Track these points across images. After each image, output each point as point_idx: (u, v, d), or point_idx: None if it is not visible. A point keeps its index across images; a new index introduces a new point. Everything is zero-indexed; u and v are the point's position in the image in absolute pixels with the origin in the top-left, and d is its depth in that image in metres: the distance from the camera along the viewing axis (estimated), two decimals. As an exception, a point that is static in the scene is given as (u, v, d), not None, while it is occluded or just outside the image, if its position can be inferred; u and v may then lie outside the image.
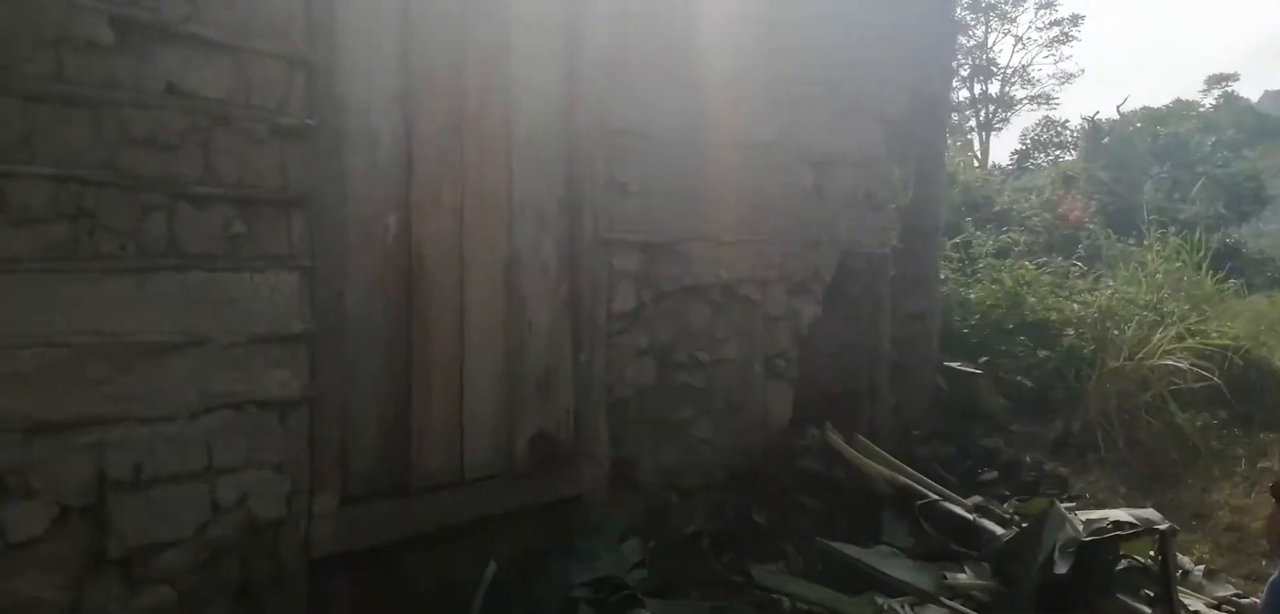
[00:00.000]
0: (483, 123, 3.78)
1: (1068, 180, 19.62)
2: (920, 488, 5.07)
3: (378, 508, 3.41)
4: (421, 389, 3.54)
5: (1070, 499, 5.82)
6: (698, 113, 4.66)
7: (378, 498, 3.44)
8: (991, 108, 38.25)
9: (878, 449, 5.35)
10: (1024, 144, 34.58)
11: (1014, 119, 37.11)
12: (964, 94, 38.72)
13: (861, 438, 5.38)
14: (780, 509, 4.98)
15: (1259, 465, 6.63)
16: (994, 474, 5.77)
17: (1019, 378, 7.32)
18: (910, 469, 5.28)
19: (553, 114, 4.08)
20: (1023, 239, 9.30)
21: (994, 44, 37.68)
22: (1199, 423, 6.71)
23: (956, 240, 9.21)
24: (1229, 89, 35.81)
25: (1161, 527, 5.27)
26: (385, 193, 3.47)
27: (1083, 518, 5.31)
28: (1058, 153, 32.18)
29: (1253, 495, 6.12)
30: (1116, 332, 7.07)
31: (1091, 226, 11.17)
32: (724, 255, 4.87)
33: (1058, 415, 7.05)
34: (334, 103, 3.27)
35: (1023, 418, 7.16)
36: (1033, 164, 32.84)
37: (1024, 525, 4.97)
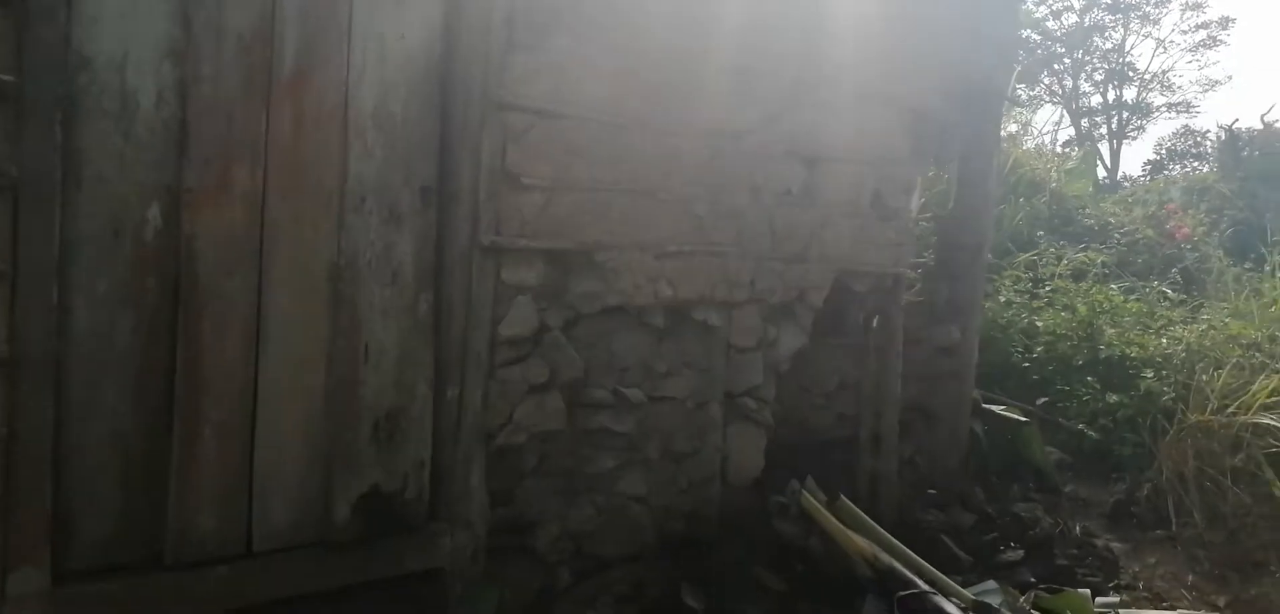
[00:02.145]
0: (302, 86, 2.94)
1: (1196, 192, 17.61)
2: (907, 572, 4.01)
3: (113, 587, 2.63)
4: (187, 430, 2.74)
5: (1118, 590, 4.63)
6: (638, 89, 3.71)
7: (117, 573, 2.66)
8: (1125, 115, 35.72)
9: (863, 516, 4.31)
10: (1158, 154, 32.10)
11: (1150, 128, 34.25)
12: (1096, 100, 36.39)
13: (845, 501, 4.34)
14: (728, 589, 4.01)
15: (1375, 557, 5.25)
16: (1020, 554, 4.62)
17: (1081, 427, 6.08)
18: (902, 546, 4.22)
19: (418, 79, 3.21)
20: (1101, 258, 7.89)
21: (1132, 47, 35.02)
22: (1302, 496, 5.36)
23: (1028, 255, 7.91)
24: (1396, 99, 32.14)
25: (1232, 651, 4.09)
26: (144, 176, 2.67)
27: (1127, 626, 4.18)
28: (1194, 164, 29.57)
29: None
30: (1206, 376, 5.74)
31: (1207, 249, 9.60)
32: (669, 270, 3.91)
33: (1123, 477, 5.79)
34: (64, 56, 2.48)
35: (1080, 477, 5.94)
36: (1165, 176, 30.39)
37: (1038, 637, 3.89)
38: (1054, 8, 35.32)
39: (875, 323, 4.94)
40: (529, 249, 3.46)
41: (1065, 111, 35.35)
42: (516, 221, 3.41)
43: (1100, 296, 6.99)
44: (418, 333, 3.24)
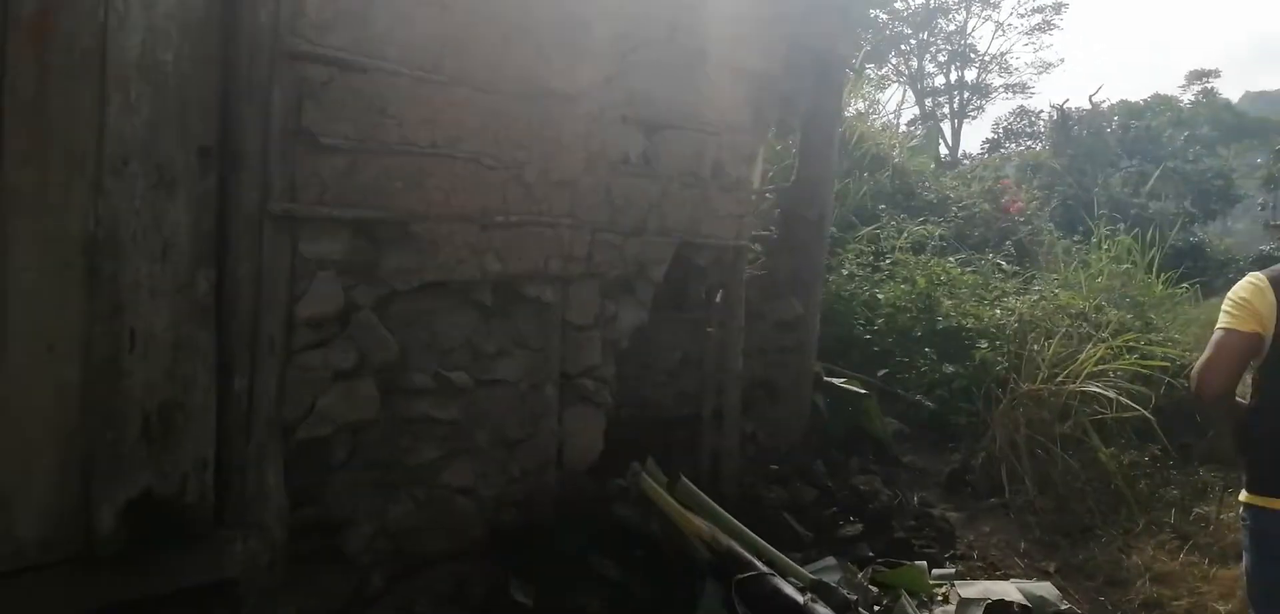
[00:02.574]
0: (47, 29, 2.50)
1: (1030, 169, 18.62)
2: (746, 553, 3.92)
3: None
4: (-105, 437, 2.28)
5: (954, 560, 4.71)
6: (458, 42, 3.41)
7: None
8: (966, 95, 37.60)
9: (703, 497, 4.19)
10: (996, 133, 33.97)
11: (989, 108, 36.34)
12: (940, 80, 38.14)
13: (685, 482, 4.20)
14: (562, 581, 3.80)
15: (1194, 513, 5.58)
16: (859, 528, 4.63)
17: (919, 397, 6.20)
18: (742, 526, 4.13)
19: (194, 23, 2.81)
20: (939, 231, 8.12)
21: (974, 30, 36.97)
22: (1126, 460, 5.62)
23: (870, 229, 8.04)
24: (1209, 86, 35.22)
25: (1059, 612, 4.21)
26: None
27: (961, 592, 4.23)
28: (1029, 143, 31.44)
29: (1182, 556, 5.06)
30: (1037, 346, 5.94)
31: (1039, 223, 10.08)
32: (497, 242, 3.65)
33: (959, 446, 5.94)
34: None
35: (919, 447, 6.06)
36: (1001, 153, 32.22)
37: (876, 611, 3.88)
38: (901, -12, 36.66)
39: (718, 297, 4.83)
40: (331, 219, 3.12)
41: (910, 91, 36.83)
42: (315, 188, 3.06)
43: (938, 269, 7.17)
44: (196, 315, 2.86)
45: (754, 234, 5.64)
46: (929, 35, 37.05)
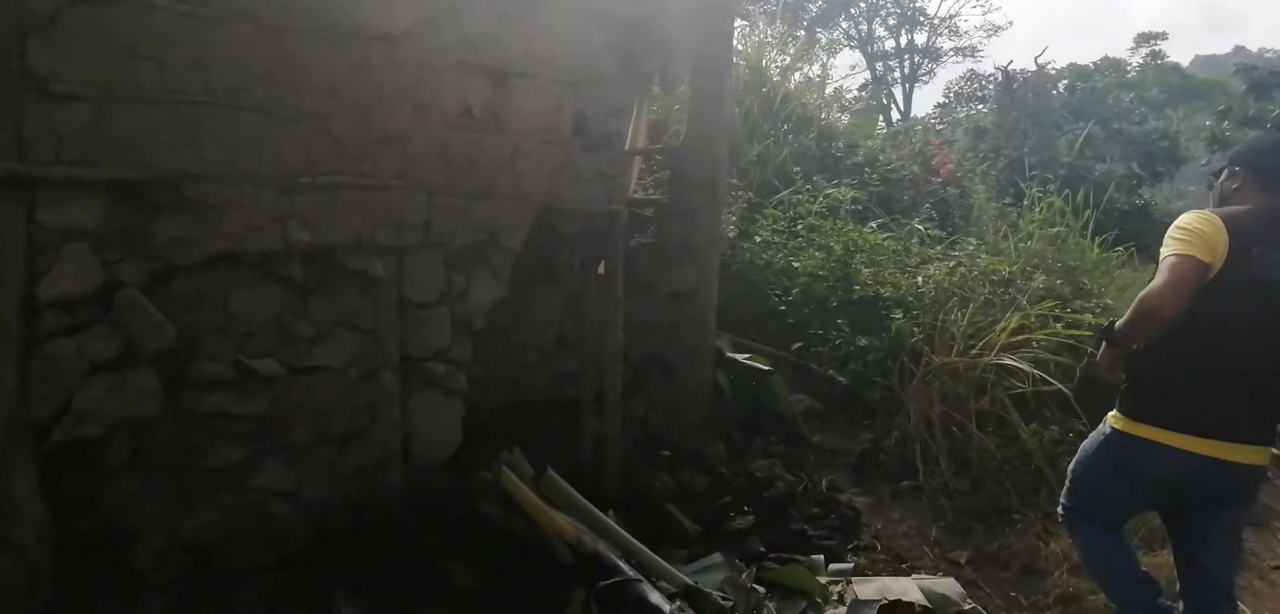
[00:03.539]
0: None
1: (975, 132, 18.49)
2: (613, 556, 3.55)
3: None
4: None
5: (857, 552, 4.39)
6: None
7: None
8: (917, 59, 37.60)
9: (572, 492, 3.82)
10: (947, 97, 34.00)
11: (940, 72, 36.44)
12: (889, 44, 38.11)
13: (552, 475, 3.82)
14: (403, 591, 3.40)
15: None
16: (751, 519, 4.28)
17: (831, 372, 5.87)
18: (612, 524, 3.77)
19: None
20: (851, 193, 7.79)
21: (922, -9, 36.98)
22: (1047, 437, 5.33)
23: (785, 193, 7.70)
24: (1157, 48, 35.52)
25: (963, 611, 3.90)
26: None
27: (857, 591, 3.90)
28: (979, 106, 31.47)
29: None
30: (955, 315, 5.63)
31: (969, 184, 9.83)
32: (302, 207, 3.23)
33: (872, 424, 5.62)
34: None
35: (830, 425, 5.73)
36: (953, 118, 32.28)
37: (758, 618, 3.54)
38: (849, -51, 36.46)
39: (599, 268, 4.44)
40: (76, 181, 2.69)
41: (862, 55, 36.73)
42: (50, 143, 2.63)
43: (855, 235, 6.84)
44: (-108, 298, 2.41)
45: (637, 198, 5.28)
46: (877, -2, 36.95)
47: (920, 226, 7.69)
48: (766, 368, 5.33)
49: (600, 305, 4.40)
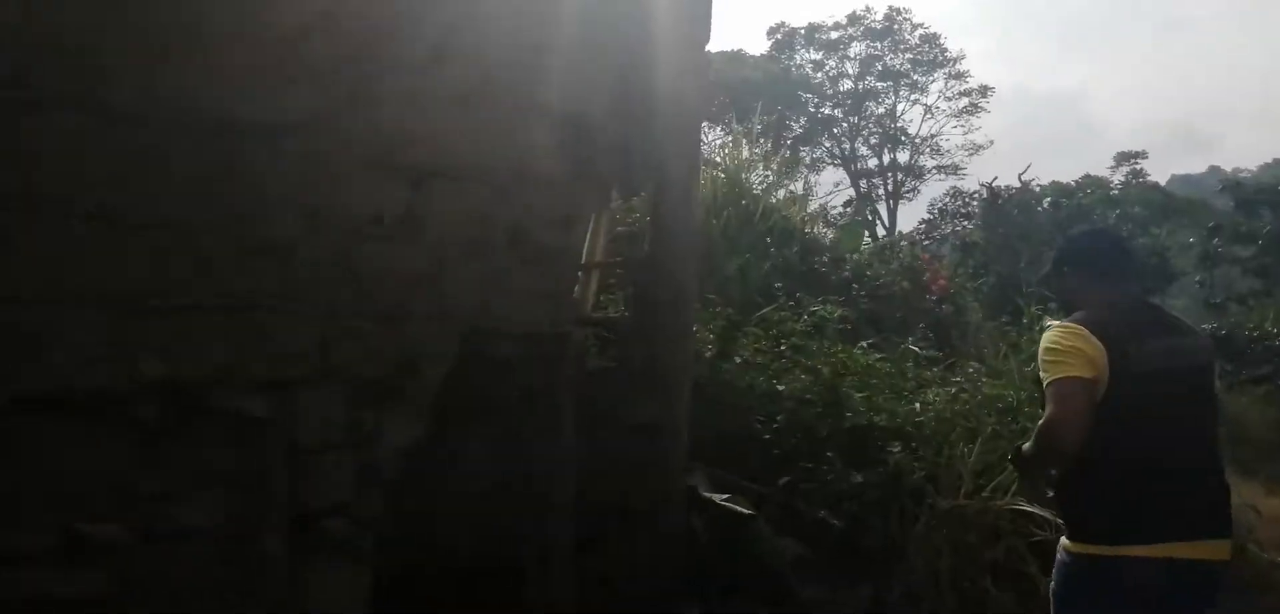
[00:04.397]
0: None
1: (962, 248, 18.20)
2: None
3: None
4: None
5: None
6: (58, 48, 2.41)
7: None
8: (900, 176, 38.17)
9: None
10: (932, 214, 34.30)
11: (924, 189, 36.72)
12: (872, 162, 38.79)
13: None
14: None
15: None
16: (728, 707, 3.57)
17: (823, 514, 5.21)
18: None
19: None
20: (839, 312, 7.24)
21: (903, 112, 37.81)
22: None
23: (767, 310, 7.15)
24: (1138, 166, 36.21)
25: None
26: None
27: None
28: (964, 223, 31.60)
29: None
30: (959, 450, 5.02)
31: (964, 301, 9.33)
32: (155, 335, 2.61)
33: (871, 574, 4.93)
34: None
35: (824, 576, 5.02)
36: (938, 234, 32.48)
37: None
38: (831, 74, 37.20)
39: (543, 400, 3.82)
40: None
41: (846, 172, 37.08)
42: None
43: (844, 356, 6.25)
44: None
45: (600, 317, 4.70)
46: (860, 119, 37.55)
47: (915, 347, 7.13)
48: (747, 511, 4.67)
49: (543, 445, 3.76)
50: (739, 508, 4.71)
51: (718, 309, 6.90)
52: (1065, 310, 2.85)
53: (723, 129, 23.10)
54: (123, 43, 2.51)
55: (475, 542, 3.86)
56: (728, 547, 4.75)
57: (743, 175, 9.58)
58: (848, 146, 37.87)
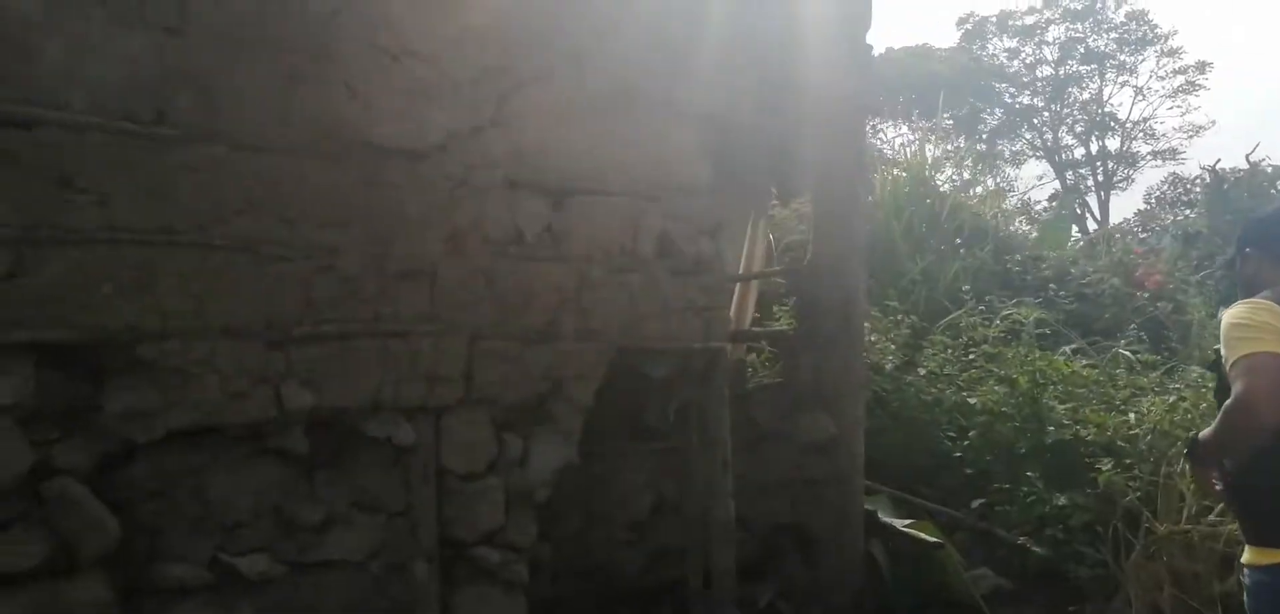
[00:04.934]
0: None
1: (1184, 239, 16.57)
2: None
3: None
4: None
5: None
6: (201, 81, 2.49)
7: None
8: (1111, 165, 35.32)
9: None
10: (1149, 203, 31.46)
11: (1139, 177, 33.55)
12: (1079, 152, 36.10)
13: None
14: None
15: None
16: None
17: (1023, 540, 4.74)
18: None
19: None
20: (1034, 314, 6.59)
21: (1110, 97, 34.87)
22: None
23: (953, 316, 6.64)
24: (1389, 142, 31.84)
25: None
26: None
27: None
28: (1186, 212, 28.89)
29: None
30: (1184, 465, 4.42)
31: (1184, 298, 8.38)
32: (301, 363, 2.65)
33: (1081, 610, 4.42)
34: None
35: (1024, 610, 4.55)
36: (1157, 225, 29.75)
37: None
38: (1027, 62, 35.04)
39: (697, 418, 3.65)
40: (-10, 344, 2.18)
41: (1049, 165, 34.77)
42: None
43: (1044, 364, 5.69)
44: None
45: (761, 330, 4.47)
46: (1062, 106, 35.08)
47: (1127, 351, 6.41)
48: (934, 539, 4.29)
49: (703, 464, 3.58)
50: (924, 534, 4.34)
51: (899, 317, 6.49)
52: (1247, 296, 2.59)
53: (908, 127, 22.15)
54: (255, 73, 2.55)
55: (640, 562, 3.73)
56: (912, 577, 4.39)
57: (927, 173, 9.04)
58: (1050, 137, 35.47)
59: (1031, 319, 6.52)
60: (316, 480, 2.77)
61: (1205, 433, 2.54)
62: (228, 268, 2.51)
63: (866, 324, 4.45)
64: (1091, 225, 30.44)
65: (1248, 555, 2.50)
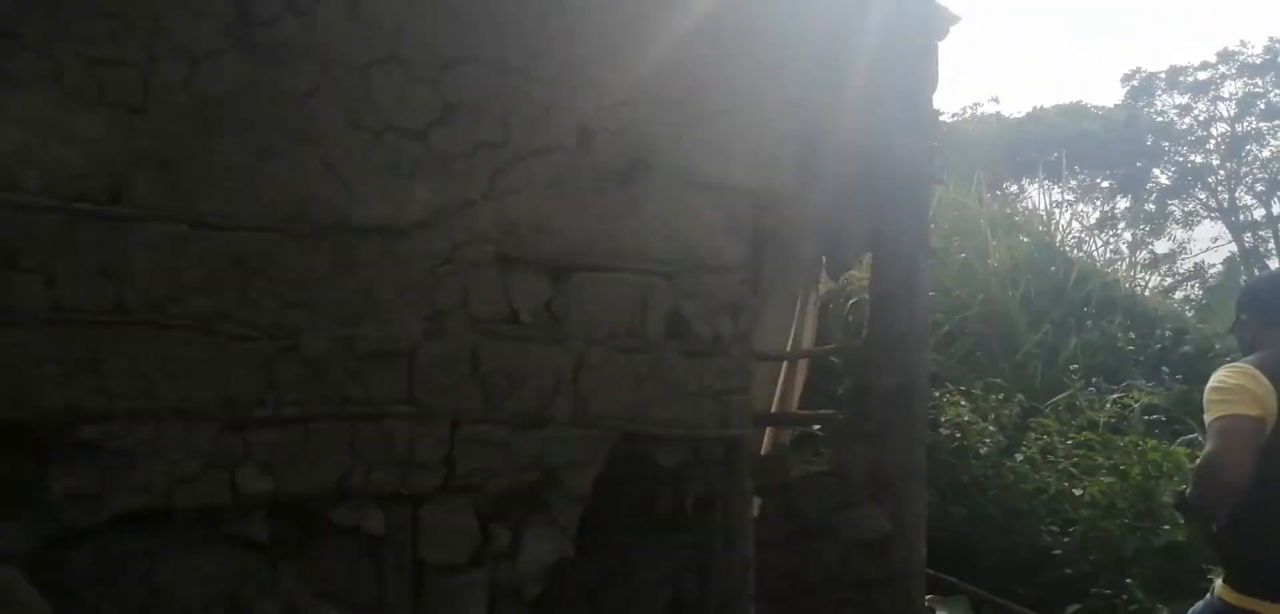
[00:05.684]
0: None
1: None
2: None
3: None
4: None
5: None
6: (158, 159, 2.44)
7: None
8: (1303, 226, 32.36)
9: None
10: (1350, 263, 28.56)
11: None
12: (1259, 212, 33.27)
13: None
14: None
15: None
16: None
17: (1126, 662, 4.17)
18: None
19: None
20: (1146, 398, 5.85)
21: (1304, 146, 32.00)
22: None
23: (1062, 397, 6.01)
24: None
25: None
26: None
27: None
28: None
29: None
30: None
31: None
32: (261, 447, 2.55)
33: None
34: None
35: None
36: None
37: None
38: (1201, 118, 32.66)
39: (722, 512, 3.34)
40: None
41: (1225, 226, 32.15)
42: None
43: (1158, 455, 5.02)
44: None
45: (807, 413, 4.11)
46: (1239, 165, 32.47)
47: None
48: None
49: (722, 561, 3.27)
50: (996, 647, 3.85)
51: (1000, 396, 5.95)
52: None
53: (1037, 185, 20.79)
54: (222, 150, 2.49)
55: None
56: (982, 692, 3.91)
57: (1051, 237, 8.37)
58: (1226, 197, 32.86)
59: (1140, 403, 5.82)
60: (279, 571, 2.64)
61: (1189, 490, 2.61)
62: (182, 348, 2.43)
63: (929, 409, 4.02)
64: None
65: (1219, 586, 2.62)
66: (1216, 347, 7.84)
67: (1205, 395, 2.51)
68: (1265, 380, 2.43)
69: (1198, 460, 2.51)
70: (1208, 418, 2.47)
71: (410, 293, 2.73)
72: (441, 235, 2.77)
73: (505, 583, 2.90)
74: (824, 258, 3.79)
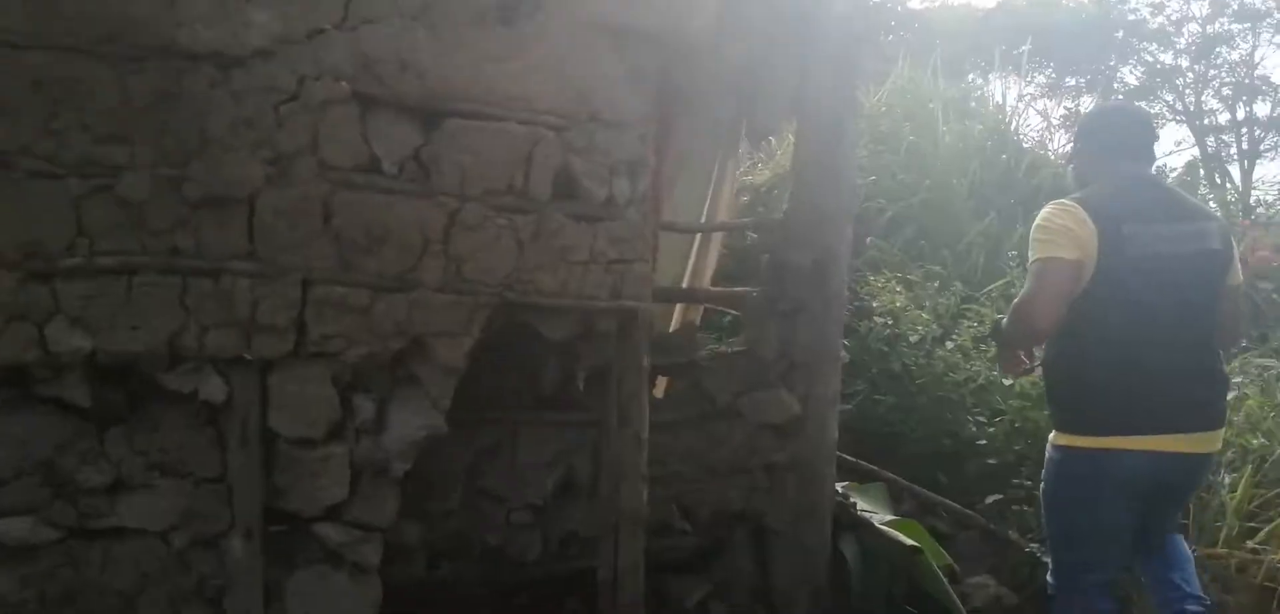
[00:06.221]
0: None
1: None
2: None
3: None
4: None
5: None
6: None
7: None
8: (1259, 131, 32.43)
9: None
10: (1297, 172, 28.77)
11: (1292, 146, 30.69)
12: (1224, 117, 33.28)
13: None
14: None
15: None
16: None
17: (1034, 548, 4.07)
18: None
19: None
20: None
21: (1262, 59, 31.66)
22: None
23: (998, 285, 5.83)
24: None
25: None
26: None
27: None
28: (1342, 182, 26.35)
29: None
30: (1227, 478, 3.68)
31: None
32: (73, 301, 2.25)
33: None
34: None
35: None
36: (1303, 202, 27.07)
37: None
38: (1174, 18, 32.27)
39: (614, 387, 3.11)
40: None
41: (1190, 130, 32.15)
42: None
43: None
44: None
45: (718, 290, 3.87)
46: (1209, 67, 32.27)
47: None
48: (911, 542, 3.64)
49: (615, 440, 3.05)
50: (901, 537, 3.69)
51: (937, 284, 5.76)
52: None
53: (1000, 76, 20.40)
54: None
55: (543, 551, 3.24)
56: (887, 581, 3.77)
57: (1005, 124, 8.11)
58: (1193, 99, 32.75)
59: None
60: (106, 439, 2.38)
61: (1004, 321, 2.74)
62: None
63: (848, 289, 3.78)
64: (1229, 197, 28.00)
65: (1052, 436, 2.75)
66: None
67: (1031, 233, 2.54)
68: (1089, 221, 2.44)
69: (1015, 299, 2.61)
70: (1030, 257, 2.52)
71: (248, 132, 2.40)
72: (285, 67, 2.43)
73: (369, 459, 2.66)
74: (743, 122, 3.49)
